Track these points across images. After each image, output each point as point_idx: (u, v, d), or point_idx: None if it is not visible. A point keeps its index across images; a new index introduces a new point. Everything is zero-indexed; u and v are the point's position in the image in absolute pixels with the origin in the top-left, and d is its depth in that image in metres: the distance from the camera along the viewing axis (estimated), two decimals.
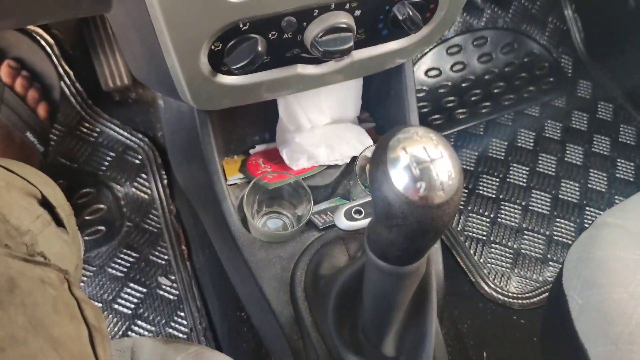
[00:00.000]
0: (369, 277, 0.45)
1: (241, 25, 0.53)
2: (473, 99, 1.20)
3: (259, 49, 0.55)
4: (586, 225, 1.07)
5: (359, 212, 0.60)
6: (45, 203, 0.52)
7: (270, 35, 0.55)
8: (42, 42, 1.05)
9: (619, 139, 1.19)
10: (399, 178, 0.33)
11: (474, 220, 1.06)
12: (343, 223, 0.60)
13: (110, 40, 1.10)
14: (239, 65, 0.55)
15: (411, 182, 0.33)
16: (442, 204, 0.33)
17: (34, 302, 0.37)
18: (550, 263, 1.03)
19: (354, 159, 0.76)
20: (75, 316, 0.40)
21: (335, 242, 0.65)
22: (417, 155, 0.33)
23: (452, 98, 1.20)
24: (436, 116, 1.17)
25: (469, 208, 1.07)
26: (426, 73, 1.20)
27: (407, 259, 0.40)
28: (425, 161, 0.33)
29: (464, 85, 1.21)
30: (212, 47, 0.54)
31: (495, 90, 1.22)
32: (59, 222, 0.52)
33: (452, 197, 0.34)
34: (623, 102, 1.23)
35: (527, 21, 1.27)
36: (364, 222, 0.59)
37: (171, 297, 0.94)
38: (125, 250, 0.98)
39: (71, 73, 1.09)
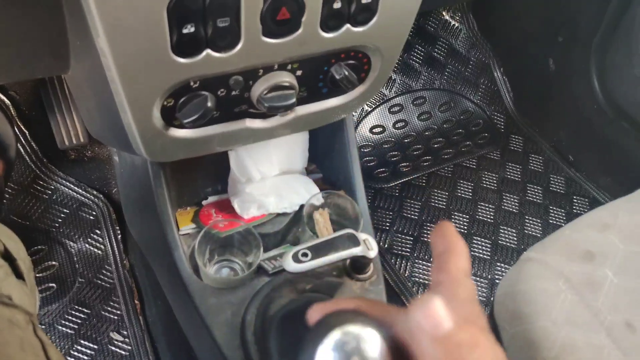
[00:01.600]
0: None
1: (191, 83, 0.58)
2: (415, 153, 1.29)
3: (209, 104, 0.60)
4: None
5: (305, 254, 0.64)
6: (6, 256, 0.54)
7: (219, 92, 0.61)
8: (1, 104, 1.08)
9: (550, 188, 1.29)
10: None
11: (420, 266, 1.11)
12: (291, 265, 0.63)
13: (67, 99, 1.14)
14: (190, 120, 0.60)
15: None
16: None
17: (4, 341, 0.39)
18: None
19: (302, 207, 0.80)
20: (39, 357, 0.42)
21: (284, 285, 0.68)
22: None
23: (395, 153, 1.28)
24: (382, 169, 1.24)
25: (415, 255, 1.12)
26: (371, 130, 1.29)
27: None
28: None
29: (406, 141, 1.30)
30: (165, 103, 0.59)
31: (435, 145, 1.31)
32: (18, 275, 0.54)
33: None
34: (551, 155, 1.34)
35: (461, 82, 1.39)
36: (311, 264, 0.63)
37: (123, 352, 0.94)
38: (76, 307, 0.97)
39: (27, 133, 1.11)
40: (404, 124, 1.31)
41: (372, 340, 0.30)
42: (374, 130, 1.28)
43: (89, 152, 1.17)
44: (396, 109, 1.32)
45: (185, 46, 0.53)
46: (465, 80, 1.39)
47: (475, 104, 1.38)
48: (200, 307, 0.67)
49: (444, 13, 1.41)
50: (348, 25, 0.58)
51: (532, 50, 1.34)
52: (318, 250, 0.64)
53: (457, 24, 1.41)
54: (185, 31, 0.51)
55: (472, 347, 0.27)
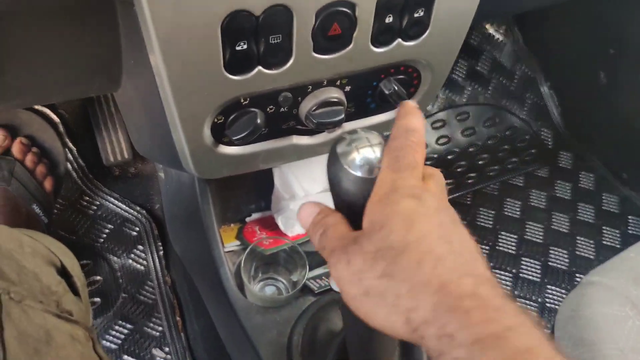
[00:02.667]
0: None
1: (242, 100, 0.58)
2: (459, 170, 1.25)
3: (258, 121, 0.59)
4: None
5: None
6: (63, 272, 0.55)
7: (268, 109, 0.60)
8: (51, 121, 1.11)
9: (603, 207, 1.24)
10: (350, 164, 0.39)
11: None
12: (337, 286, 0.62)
13: (112, 117, 1.16)
14: (239, 137, 0.59)
15: (359, 164, 0.39)
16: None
17: (66, 356, 0.39)
18: (546, 330, 1.03)
19: None
20: None
21: (330, 306, 0.67)
22: (364, 153, 0.39)
23: (439, 169, 1.25)
24: None
25: None
26: None
27: None
28: (366, 145, 0.40)
29: (449, 157, 1.27)
30: (215, 120, 0.59)
31: (480, 162, 1.28)
32: (74, 291, 0.55)
33: None
34: (603, 172, 1.29)
35: (506, 97, 1.35)
36: None
37: None
38: (120, 322, 0.98)
39: (74, 149, 1.14)
40: (447, 140, 1.28)
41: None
42: None
43: (133, 169, 1.19)
44: (439, 124, 1.29)
45: (237, 63, 0.52)
46: (510, 95, 1.36)
47: (522, 120, 1.34)
48: (246, 326, 0.66)
49: (487, 27, 1.38)
50: (399, 40, 0.57)
51: (581, 64, 1.30)
52: None
53: (501, 38, 1.38)
54: (238, 48, 0.51)
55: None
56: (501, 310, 0.29)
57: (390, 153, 0.38)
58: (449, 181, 1.23)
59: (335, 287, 0.62)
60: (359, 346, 0.49)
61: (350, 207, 0.39)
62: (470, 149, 1.29)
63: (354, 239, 0.33)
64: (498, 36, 1.38)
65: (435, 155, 1.27)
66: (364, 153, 0.39)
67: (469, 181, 1.24)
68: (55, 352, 0.40)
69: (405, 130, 0.39)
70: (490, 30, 1.37)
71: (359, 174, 0.39)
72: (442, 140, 1.28)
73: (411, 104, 0.43)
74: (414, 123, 0.40)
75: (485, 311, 0.28)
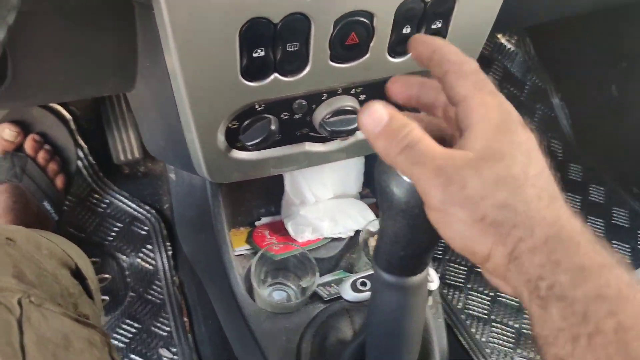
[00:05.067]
0: (374, 301, 0.47)
1: (256, 106, 0.58)
2: None
3: (272, 127, 0.60)
4: None
5: (364, 283, 0.63)
6: (77, 274, 0.55)
7: (282, 115, 0.61)
8: (63, 119, 1.11)
9: (613, 221, 1.23)
10: None
11: (475, 298, 1.07)
12: (349, 294, 0.62)
13: (124, 116, 1.17)
14: (253, 142, 0.60)
15: None
16: None
17: None
18: None
19: (357, 232, 0.79)
20: None
21: (340, 314, 0.67)
22: None
23: None
24: None
25: (469, 286, 1.08)
26: None
27: (410, 264, 0.43)
28: None
29: None
30: (229, 125, 0.59)
31: None
32: (88, 294, 0.55)
33: None
34: (614, 185, 1.28)
35: (516, 107, 1.33)
36: (369, 294, 0.61)
37: None
38: (127, 321, 0.98)
39: (85, 147, 1.14)
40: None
41: None
42: None
43: (142, 168, 1.20)
44: None
45: (254, 70, 0.53)
46: (520, 105, 1.35)
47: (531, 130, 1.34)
48: (255, 331, 0.66)
49: (499, 36, 1.38)
50: None
51: (593, 76, 1.30)
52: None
53: (513, 48, 1.38)
54: (255, 55, 0.51)
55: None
56: (606, 249, 0.30)
57: (469, 76, 0.34)
58: None
59: (345, 296, 0.62)
60: (381, 325, 0.49)
61: (405, 215, 0.38)
62: None
63: (469, 161, 0.31)
64: (510, 46, 1.38)
65: None
66: None
67: None
68: (73, 357, 0.40)
69: (460, 55, 0.36)
70: (502, 40, 1.37)
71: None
72: None
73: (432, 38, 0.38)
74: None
75: (594, 246, 0.30)
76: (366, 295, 0.61)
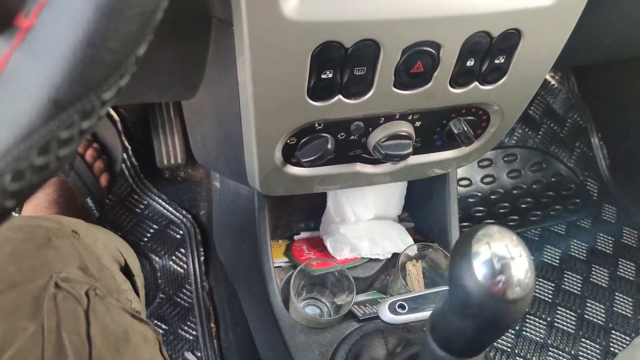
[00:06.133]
0: None
1: (316, 125, 0.60)
2: (501, 211, 1.25)
3: (329, 146, 0.61)
4: (612, 349, 1.07)
5: (402, 306, 0.63)
6: (126, 271, 0.57)
7: (339, 135, 0.62)
8: (112, 119, 1.15)
9: None
10: (481, 270, 0.36)
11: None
12: (387, 316, 0.62)
13: (171, 121, 1.20)
14: (308, 159, 0.61)
15: (492, 275, 0.36)
16: (517, 300, 0.37)
17: (140, 356, 0.41)
18: None
19: (394, 255, 0.80)
20: None
21: (374, 335, 0.67)
22: (499, 251, 0.37)
23: (481, 208, 1.25)
24: (466, 223, 1.21)
25: None
26: (458, 182, 1.27)
27: (468, 351, 0.43)
28: (506, 258, 0.37)
29: (492, 197, 1.27)
30: (288, 141, 0.61)
31: (523, 205, 1.27)
32: (135, 291, 0.56)
33: (527, 295, 0.37)
34: None
35: (555, 144, 1.35)
36: (408, 317, 0.62)
37: None
38: (156, 322, 1.00)
39: (130, 148, 1.18)
40: (492, 179, 1.28)
41: None
42: (460, 182, 1.26)
43: (183, 174, 1.22)
44: (485, 163, 1.29)
45: (320, 90, 0.54)
46: (560, 142, 1.35)
47: (569, 168, 1.34)
48: (289, 343, 0.67)
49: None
50: (476, 83, 0.59)
51: (634, 118, 1.29)
52: (415, 304, 0.63)
53: (556, 84, 1.38)
54: (323, 76, 0.53)
55: None
56: None
57: None
58: (489, 221, 1.23)
59: (383, 317, 0.63)
60: None
61: (475, 315, 0.37)
62: (515, 191, 1.29)
63: None
64: (554, 82, 1.38)
65: (479, 194, 1.27)
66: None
67: (510, 224, 1.23)
68: (132, 351, 0.42)
69: None
70: (547, 76, 1.37)
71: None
72: (487, 180, 1.28)
73: None
74: None
75: None
76: (404, 318, 0.61)
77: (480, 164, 1.30)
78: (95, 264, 0.49)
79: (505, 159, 1.31)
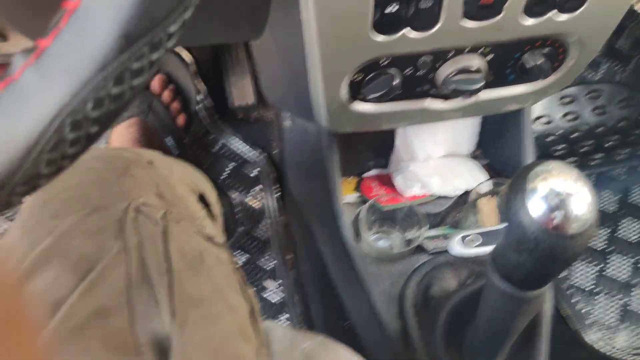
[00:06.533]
0: (487, 300, 0.48)
1: (382, 60, 0.60)
2: (584, 149, 1.19)
3: (395, 82, 0.61)
4: None
5: (472, 240, 0.63)
6: (202, 200, 0.61)
7: (406, 71, 0.62)
8: (185, 61, 1.19)
9: None
10: (536, 206, 0.36)
11: (580, 269, 1.04)
12: (456, 249, 0.63)
13: (242, 62, 1.22)
14: (375, 96, 0.62)
15: (547, 211, 0.36)
16: (575, 235, 0.36)
17: (215, 275, 0.45)
18: None
19: (465, 192, 0.79)
20: (239, 293, 0.47)
21: (445, 267, 0.68)
22: (555, 186, 0.36)
23: (561, 147, 1.19)
24: None
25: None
26: (535, 120, 1.21)
27: (531, 283, 0.43)
28: (563, 193, 0.36)
29: (573, 135, 1.21)
30: (353, 78, 0.61)
31: (609, 143, 1.20)
32: (212, 218, 0.61)
33: (586, 230, 0.37)
34: None
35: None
36: (477, 250, 0.62)
37: (274, 301, 1.02)
38: (237, 251, 1.07)
39: (205, 90, 1.22)
40: (574, 117, 1.21)
41: None
42: (538, 120, 1.21)
43: (255, 114, 1.26)
44: (567, 99, 1.22)
45: (385, 24, 0.54)
46: None
47: None
48: (361, 273, 0.70)
49: (634, 2, 1.26)
50: (555, 11, 0.55)
51: None
52: (487, 238, 0.63)
53: None
54: (388, 10, 0.52)
55: None
56: None
57: None
58: (571, 159, 1.18)
59: (452, 251, 0.63)
60: (490, 323, 0.50)
61: (531, 251, 0.38)
62: (599, 129, 1.21)
63: None
64: None
65: (560, 133, 1.21)
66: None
67: (594, 162, 1.17)
68: (206, 272, 0.46)
69: None
70: (636, 6, 1.25)
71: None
72: (568, 117, 1.22)
73: None
74: None
75: None
76: (474, 251, 0.62)
77: (561, 100, 1.23)
78: (170, 192, 0.53)
79: (588, 95, 1.23)
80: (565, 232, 0.36)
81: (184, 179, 0.61)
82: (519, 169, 0.40)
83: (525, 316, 0.47)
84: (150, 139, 1.05)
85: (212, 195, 0.64)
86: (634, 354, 0.96)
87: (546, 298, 0.49)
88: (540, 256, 0.38)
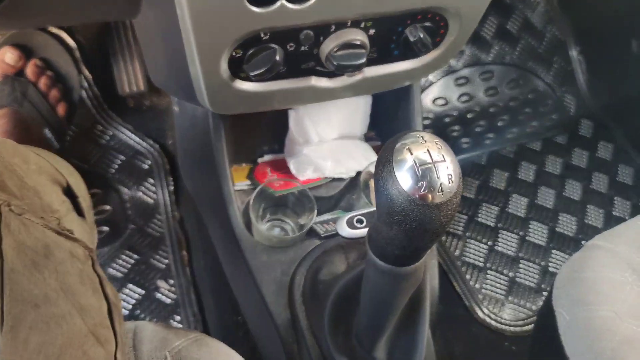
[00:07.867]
0: (367, 278, 0.47)
1: (262, 35, 0.56)
2: (477, 129, 1.23)
3: (277, 58, 0.58)
4: None
5: (360, 221, 0.62)
6: (68, 192, 0.54)
7: (288, 47, 0.59)
8: (67, 46, 1.09)
9: (617, 178, 1.22)
10: (403, 177, 0.35)
11: (472, 246, 1.08)
12: (345, 230, 0.62)
13: (130, 47, 1.14)
14: (256, 73, 0.58)
15: (413, 181, 0.35)
16: (441, 205, 0.36)
17: (64, 271, 0.40)
18: (544, 293, 1.04)
19: (358, 174, 0.78)
20: (97, 290, 0.42)
21: (335, 250, 0.67)
22: (420, 157, 0.35)
23: (457, 127, 1.23)
24: None
25: (467, 234, 1.09)
26: (433, 101, 1.24)
27: (405, 259, 0.42)
28: (428, 163, 0.35)
29: (469, 116, 1.25)
30: (233, 54, 0.57)
31: (500, 123, 1.25)
32: (79, 212, 0.54)
33: (451, 199, 0.36)
34: (623, 143, 1.26)
35: (533, 59, 1.31)
36: (365, 231, 0.61)
37: (168, 301, 0.96)
38: (127, 252, 1.00)
39: (90, 77, 1.13)
40: (468, 97, 1.25)
41: None
42: (436, 102, 1.23)
43: (147, 102, 1.18)
44: (462, 81, 1.26)
45: None
46: (537, 58, 1.31)
47: (546, 84, 1.30)
48: (251, 263, 0.67)
49: None
50: None
51: (614, 30, 1.25)
52: (370, 218, 0.62)
53: None
54: None
55: None
56: None
57: None
58: (465, 140, 1.22)
59: (341, 232, 0.62)
60: (371, 301, 0.49)
61: (401, 224, 0.37)
62: (491, 109, 1.26)
63: None
64: None
65: (456, 113, 1.24)
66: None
67: (487, 142, 1.22)
68: (53, 266, 0.40)
69: None
70: None
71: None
72: (463, 98, 1.26)
73: None
74: None
75: None
76: (362, 232, 0.61)
77: (456, 82, 1.26)
78: (16, 183, 0.47)
79: (482, 76, 1.28)
80: (431, 201, 0.35)
81: (45, 169, 0.55)
82: (387, 142, 0.38)
83: (404, 293, 0.46)
84: (25, 131, 0.95)
85: (79, 186, 0.58)
86: (520, 326, 1.01)
87: (425, 272, 0.48)
88: (409, 228, 0.37)
